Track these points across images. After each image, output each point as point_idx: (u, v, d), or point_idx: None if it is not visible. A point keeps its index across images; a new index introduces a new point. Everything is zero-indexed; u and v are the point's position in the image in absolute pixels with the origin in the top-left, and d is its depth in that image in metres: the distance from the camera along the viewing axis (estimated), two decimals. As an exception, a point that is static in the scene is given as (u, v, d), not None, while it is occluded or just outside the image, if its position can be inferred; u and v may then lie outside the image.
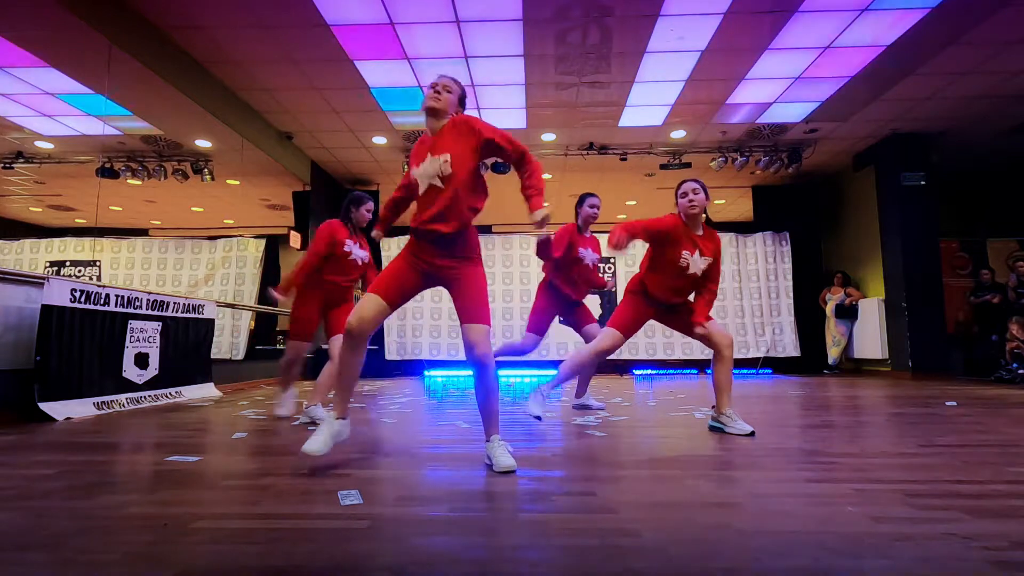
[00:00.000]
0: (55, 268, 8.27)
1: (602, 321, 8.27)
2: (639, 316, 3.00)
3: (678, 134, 7.25)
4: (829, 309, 8.21)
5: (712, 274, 2.91)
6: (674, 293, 2.91)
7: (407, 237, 2.49)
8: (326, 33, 4.89)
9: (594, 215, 3.63)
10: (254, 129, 6.51)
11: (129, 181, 7.84)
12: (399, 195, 2.45)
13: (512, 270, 8.29)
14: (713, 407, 2.94)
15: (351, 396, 2.17)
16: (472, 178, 2.09)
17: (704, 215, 2.91)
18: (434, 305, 8.10)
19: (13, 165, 7.81)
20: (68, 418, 3.42)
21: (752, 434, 2.70)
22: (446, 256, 2.11)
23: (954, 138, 7.18)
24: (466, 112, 2.27)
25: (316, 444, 1.98)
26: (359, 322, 2.06)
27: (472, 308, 2.08)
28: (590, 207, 3.63)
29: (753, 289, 8.30)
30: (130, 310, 4.21)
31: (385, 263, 7.98)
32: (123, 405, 3.99)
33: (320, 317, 3.38)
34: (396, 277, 2.14)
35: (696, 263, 2.82)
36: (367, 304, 2.09)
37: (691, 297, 3.01)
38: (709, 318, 2.87)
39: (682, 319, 2.99)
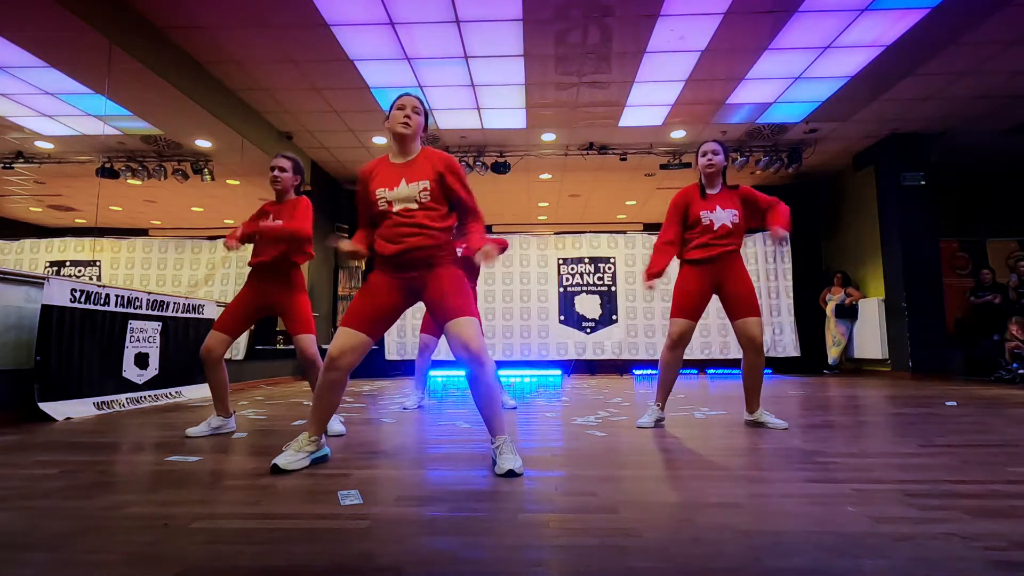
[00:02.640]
0: (55, 268, 8.26)
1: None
2: (702, 292, 3.02)
3: (678, 134, 7.25)
4: (829, 309, 8.21)
5: (759, 205, 3.01)
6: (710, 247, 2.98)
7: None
8: (326, 33, 4.89)
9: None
10: (254, 129, 6.51)
11: (129, 181, 7.83)
12: None
13: (512, 270, 8.29)
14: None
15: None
16: None
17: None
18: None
19: (13, 165, 7.80)
20: (68, 418, 3.42)
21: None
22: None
23: (954, 138, 7.17)
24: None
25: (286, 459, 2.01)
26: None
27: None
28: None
29: (753, 289, 8.29)
30: (130, 310, 4.21)
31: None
32: (123, 405, 3.99)
33: None
34: None
35: (720, 217, 2.94)
36: None
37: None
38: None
39: (729, 301, 3.03)
